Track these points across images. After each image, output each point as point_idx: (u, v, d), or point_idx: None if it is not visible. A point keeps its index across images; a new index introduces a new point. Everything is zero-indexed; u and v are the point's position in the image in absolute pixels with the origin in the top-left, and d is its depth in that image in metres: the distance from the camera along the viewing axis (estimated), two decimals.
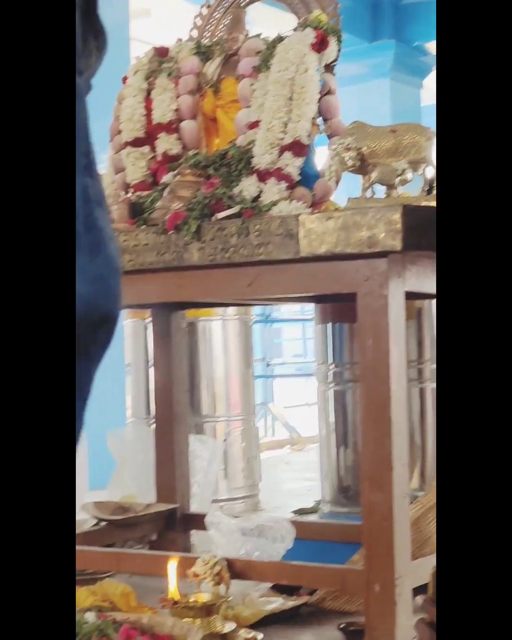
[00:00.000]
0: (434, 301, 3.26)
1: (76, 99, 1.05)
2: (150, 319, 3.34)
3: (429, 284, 2.41)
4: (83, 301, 1.08)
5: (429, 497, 2.73)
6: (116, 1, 6.42)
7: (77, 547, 2.75)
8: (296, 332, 13.13)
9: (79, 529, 2.90)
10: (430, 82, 9.65)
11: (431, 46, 9.13)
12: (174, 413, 3.15)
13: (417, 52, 9.22)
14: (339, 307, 3.30)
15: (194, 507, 3.26)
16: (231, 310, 4.26)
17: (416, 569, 2.31)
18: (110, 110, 3.05)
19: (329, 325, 3.39)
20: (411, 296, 2.41)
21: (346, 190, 2.77)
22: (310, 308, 3.95)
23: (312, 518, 3.64)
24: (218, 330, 4.28)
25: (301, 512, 3.97)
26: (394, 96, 9.13)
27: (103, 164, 3.09)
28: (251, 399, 4.46)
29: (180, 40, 3.06)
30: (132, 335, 4.41)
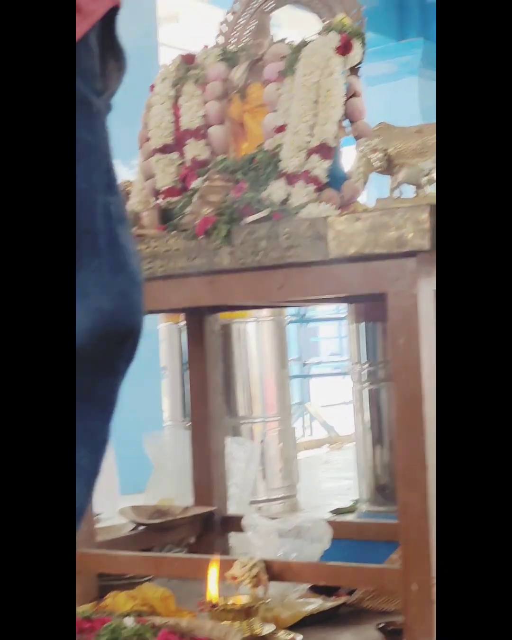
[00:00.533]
0: None
1: (95, 119, 1.07)
2: (184, 322, 3.36)
3: None
4: (107, 316, 1.11)
5: None
6: (144, 8, 6.45)
7: (117, 552, 2.79)
8: (332, 330, 13.12)
9: (116, 534, 2.94)
10: None
11: None
12: (210, 415, 3.18)
13: None
14: (371, 307, 3.31)
15: (232, 509, 3.28)
16: (265, 311, 4.28)
17: None
18: (140, 118, 3.08)
19: (362, 324, 3.41)
20: None
21: (377, 190, 2.78)
22: (345, 306, 3.96)
23: (350, 517, 3.65)
24: (252, 331, 4.30)
25: (338, 511, 3.99)
26: (423, 94, 9.12)
27: (134, 170, 3.13)
28: (287, 399, 4.48)
29: (206, 46, 3.08)
30: (167, 339, 4.44)
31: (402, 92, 9.08)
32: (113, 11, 1.15)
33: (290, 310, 8.21)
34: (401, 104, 8.91)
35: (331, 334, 13.37)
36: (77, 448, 1.07)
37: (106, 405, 1.18)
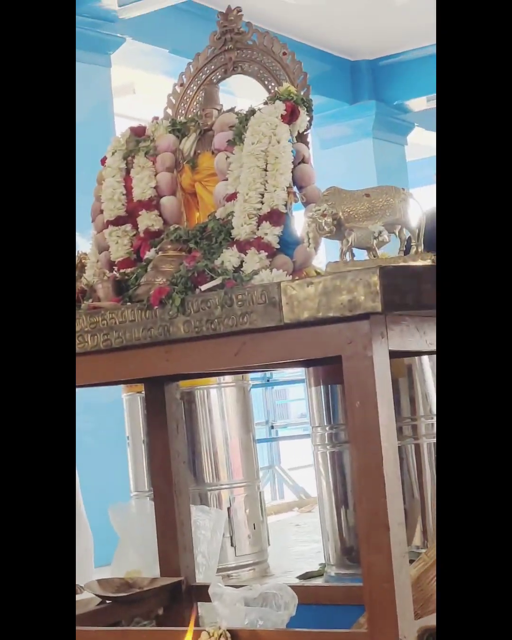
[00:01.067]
0: (424, 357, 3.29)
1: None
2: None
3: (413, 342, 2.44)
4: None
5: (430, 554, 2.73)
6: (99, 79, 6.52)
7: (82, 628, 2.75)
8: (299, 392, 13.12)
9: (83, 609, 2.90)
10: (413, 138, 9.78)
11: (411, 104, 9.27)
12: (174, 485, 3.16)
13: (398, 110, 9.36)
14: (328, 370, 3.33)
15: (200, 578, 3.26)
16: (228, 377, 4.28)
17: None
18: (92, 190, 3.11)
19: (321, 387, 3.42)
20: (398, 354, 2.44)
21: (335, 252, 2.81)
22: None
23: (318, 582, 3.63)
24: (215, 397, 4.30)
25: (307, 576, 3.96)
26: (379, 154, 9.25)
27: (88, 242, 3.15)
28: (254, 464, 4.47)
29: (156, 118, 3.13)
30: (128, 409, 4.43)
31: (358, 154, 9.21)
32: None
33: (255, 374, 8.21)
34: (357, 166, 9.02)
35: (298, 395, 13.36)
36: None
37: None
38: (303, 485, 8.26)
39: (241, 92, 6.88)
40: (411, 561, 2.50)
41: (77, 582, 3.06)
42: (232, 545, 4.18)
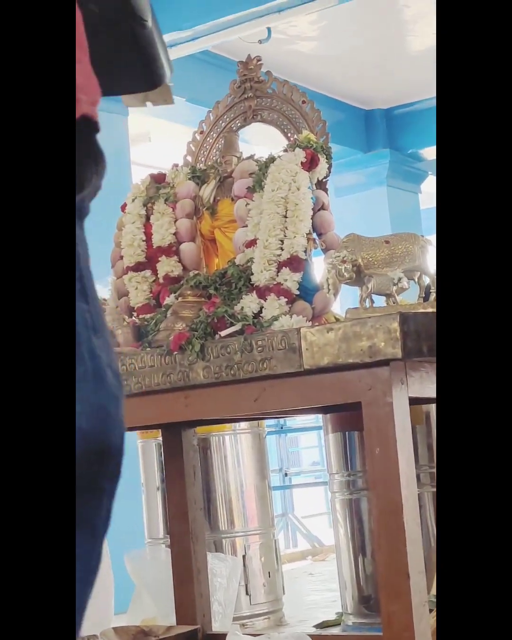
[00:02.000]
0: None
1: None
2: (161, 438, 3.35)
3: (433, 389, 2.43)
4: (85, 435, 1.06)
5: None
6: (115, 128, 6.58)
7: None
8: (312, 440, 13.07)
9: None
10: (427, 187, 9.82)
11: (425, 153, 9.33)
12: (191, 532, 3.15)
13: (412, 159, 9.41)
14: (346, 417, 3.32)
15: (216, 627, 3.23)
16: (243, 423, 4.27)
17: None
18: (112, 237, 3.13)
19: (339, 434, 3.41)
20: (417, 401, 2.43)
21: (353, 299, 2.81)
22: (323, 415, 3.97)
23: (335, 631, 3.60)
24: (231, 444, 4.29)
25: (323, 625, 3.92)
26: (393, 203, 9.29)
27: (107, 288, 3.16)
28: (269, 511, 4.44)
29: (176, 165, 3.16)
30: (143, 455, 4.42)
31: (373, 202, 9.24)
32: (85, 120, 1.14)
33: (269, 421, 8.19)
34: (372, 214, 9.06)
35: (311, 443, 13.31)
36: None
37: (95, 528, 1.13)
38: (316, 533, 8.20)
39: (257, 140, 6.94)
40: (431, 610, 2.48)
41: (95, 631, 3.04)
42: (247, 593, 4.14)
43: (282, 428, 9.26)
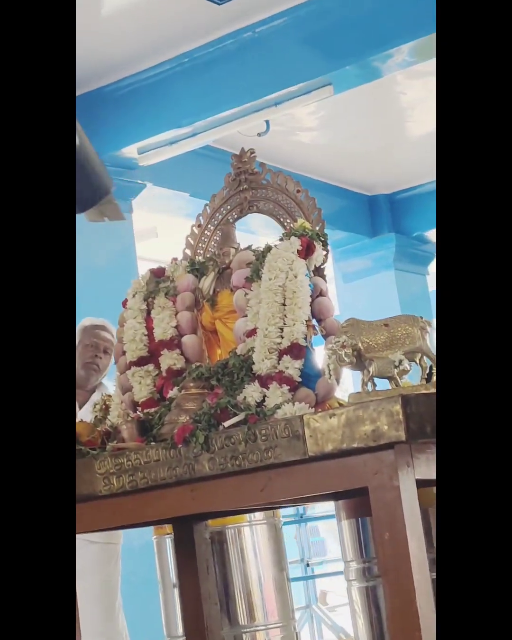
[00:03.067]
0: None
1: None
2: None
3: None
4: None
5: None
6: (121, 225, 6.65)
7: None
8: (333, 527, 12.91)
9: None
10: (434, 268, 9.88)
11: (430, 235, 9.40)
12: (207, 628, 3.10)
13: (418, 241, 9.48)
14: (358, 502, 3.28)
15: None
16: (258, 514, 4.23)
17: None
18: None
19: (352, 520, 3.37)
20: (426, 483, 2.41)
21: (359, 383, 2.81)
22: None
23: None
24: (247, 536, 4.23)
25: None
26: (401, 286, 9.33)
27: (112, 383, 3.17)
28: (288, 603, 4.37)
29: (175, 259, 3.19)
30: (158, 552, 4.36)
31: (381, 286, 9.28)
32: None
33: (289, 511, 8.10)
34: (380, 298, 9.09)
35: (333, 530, 13.15)
36: None
37: None
38: (342, 624, 8.05)
39: (263, 231, 7.01)
40: None
41: None
42: None
43: (301, 517, 9.15)
